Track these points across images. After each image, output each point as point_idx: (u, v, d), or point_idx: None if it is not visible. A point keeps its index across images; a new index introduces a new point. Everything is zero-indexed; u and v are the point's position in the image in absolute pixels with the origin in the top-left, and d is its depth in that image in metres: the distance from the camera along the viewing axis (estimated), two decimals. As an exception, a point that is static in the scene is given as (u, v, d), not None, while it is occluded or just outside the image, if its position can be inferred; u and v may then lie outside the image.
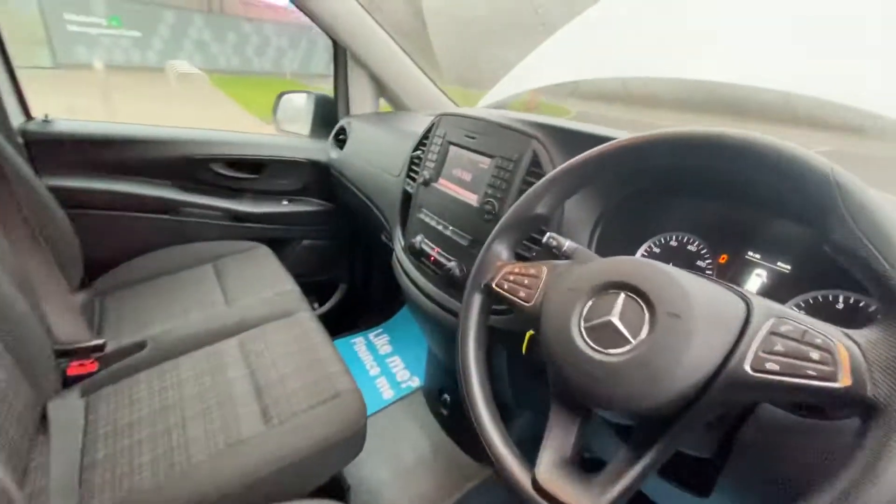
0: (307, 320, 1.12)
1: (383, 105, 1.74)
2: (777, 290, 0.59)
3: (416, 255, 0.97)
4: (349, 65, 1.58)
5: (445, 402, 1.22)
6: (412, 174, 1.08)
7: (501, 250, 0.59)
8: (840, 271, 0.39)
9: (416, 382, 1.53)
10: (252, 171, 1.59)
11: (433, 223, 0.94)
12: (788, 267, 0.59)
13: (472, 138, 0.87)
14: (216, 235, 1.50)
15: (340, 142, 1.58)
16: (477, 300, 0.59)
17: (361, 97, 1.64)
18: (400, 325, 1.86)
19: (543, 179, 0.57)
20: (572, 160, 0.55)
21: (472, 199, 0.85)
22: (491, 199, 0.80)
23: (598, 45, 1.55)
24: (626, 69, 1.48)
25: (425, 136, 1.05)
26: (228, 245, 1.46)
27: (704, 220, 0.67)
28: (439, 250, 0.91)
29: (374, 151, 1.35)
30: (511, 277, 0.56)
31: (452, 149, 0.93)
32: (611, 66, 1.51)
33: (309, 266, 1.77)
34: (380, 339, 1.78)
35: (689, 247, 0.68)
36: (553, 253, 0.59)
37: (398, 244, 1.11)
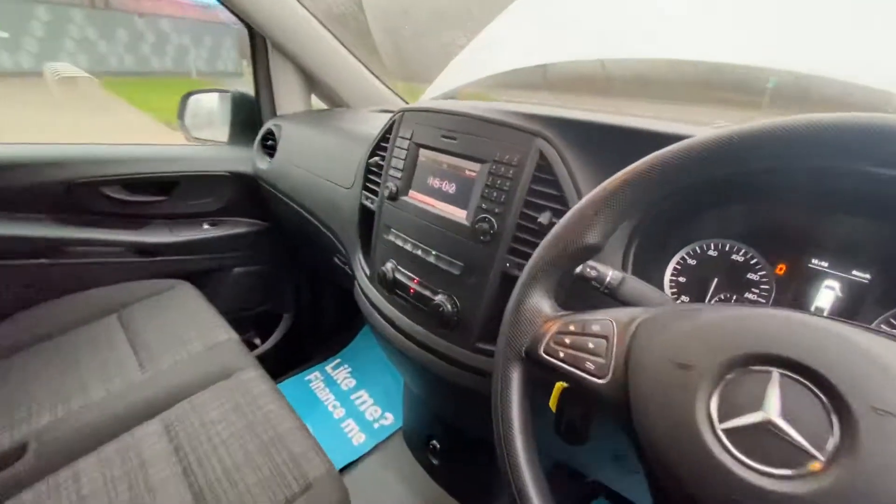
0: (253, 380, 0.89)
1: (316, 103, 1.50)
2: (857, 306, 0.48)
3: (389, 286, 0.78)
4: (271, 57, 1.32)
5: (435, 450, 1.04)
6: (370, 186, 0.88)
7: (541, 302, 0.43)
8: None
9: (389, 420, 1.33)
10: (159, 193, 1.29)
11: (408, 247, 0.75)
12: (867, 276, 0.48)
13: (452, 139, 0.69)
14: (118, 277, 1.19)
15: (269, 149, 1.33)
16: (517, 375, 0.42)
17: (289, 94, 1.39)
18: (361, 350, 1.65)
19: (594, 195, 0.41)
20: (639, 164, 0.39)
21: (460, 215, 0.68)
22: (487, 216, 0.63)
23: (562, 22, 1.40)
24: (598, 50, 1.35)
25: (383, 138, 0.85)
26: (137, 287, 1.16)
27: (751, 222, 0.55)
28: (420, 281, 0.73)
29: (315, 159, 1.12)
30: (566, 340, 0.39)
31: (424, 153, 0.75)
32: (576, 47, 1.37)
33: (244, 298, 1.50)
34: (340, 372, 1.55)
35: (734, 256, 0.55)
36: (594, 287, 0.44)
37: (360, 272, 0.90)
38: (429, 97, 1.66)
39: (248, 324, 1.55)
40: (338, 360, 1.60)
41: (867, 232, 0.49)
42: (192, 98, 1.47)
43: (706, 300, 0.56)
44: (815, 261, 0.51)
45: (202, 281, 1.32)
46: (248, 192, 1.39)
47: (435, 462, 1.05)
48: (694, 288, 0.56)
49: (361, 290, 0.89)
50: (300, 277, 1.62)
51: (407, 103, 1.54)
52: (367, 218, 0.90)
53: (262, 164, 1.33)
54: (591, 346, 0.38)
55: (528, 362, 0.41)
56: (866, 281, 0.48)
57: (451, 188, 0.70)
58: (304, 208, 1.16)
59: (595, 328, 0.39)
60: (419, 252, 0.73)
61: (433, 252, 0.71)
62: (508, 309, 0.44)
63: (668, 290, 0.57)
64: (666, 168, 0.38)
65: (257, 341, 1.60)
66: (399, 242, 0.77)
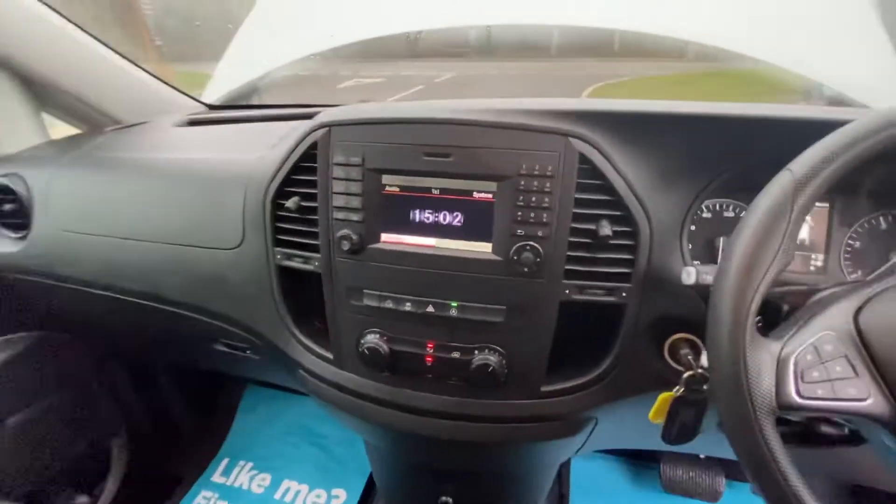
0: None
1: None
2: None
3: (384, 364, 0.58)
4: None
5: None
6: (287, 239, 0.61)
7: (760, 342, 0.36)
8: None
9: (342, 497, 1.08)
10: None
11: (405, 307, 0.56)
12: None
13: (444, 157, 0.51)
14: None
15: (9, 216, 0.79)
16: (773, 431, 0.34)
17: (9, 120, 0.83)
18: (250, 433, 1.27)
19: (783, 183, 0.35)
20: (864, 132, 0.35)
21: (482, 249, 0.53)
22: (526, 243, 0.50)
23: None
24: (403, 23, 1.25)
25: (295, 169, 0.59)
26: None
27: None
28: (439, 344, 0.56)
29: (137, 217, 0.72)
30: (814, 374, 0.34)
31: (391, 179, 0.54)
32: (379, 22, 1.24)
33: (38, 457, 0.94)
34: (239, 475, 1.17)
35: None
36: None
37: (306, 356, 0.65)
38: (227, 85, 1.27)
39: (64, 475, 0.99)
40: (225, 461, 1.20)
41: None
42: None
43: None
44: None
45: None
46: None
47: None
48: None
49: (322, 379, 0.64)
50: (118, 384, 1.10)
51: (205, 104, 1.14)
52: (293, 282, 0.63)
53: (4, 245, 0.78)
54: (837, 369, 0.34)
55: (782, 411, 0.34)
56: None
57: (454, 219, 0.53)
58: (131, 294, 0.75)
59: (828, 348, 0.34)
60: (429, 309, 0.55)
61: (453, 304, 0.54)
62: (724, 361, 0.35)
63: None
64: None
65: (84, 500, 1.04)
66: (385, 304, 0.56)
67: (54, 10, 0.78)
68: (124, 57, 0.95)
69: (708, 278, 0.43)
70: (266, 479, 1.14)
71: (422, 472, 0.87)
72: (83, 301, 0.79)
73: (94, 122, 0.96)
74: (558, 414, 0.58)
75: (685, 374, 0.50)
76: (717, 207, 0.54)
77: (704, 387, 0.50)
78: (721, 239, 0.53)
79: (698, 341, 0.52)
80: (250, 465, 1.18)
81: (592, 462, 1.17)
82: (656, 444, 0.80)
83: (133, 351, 1.06)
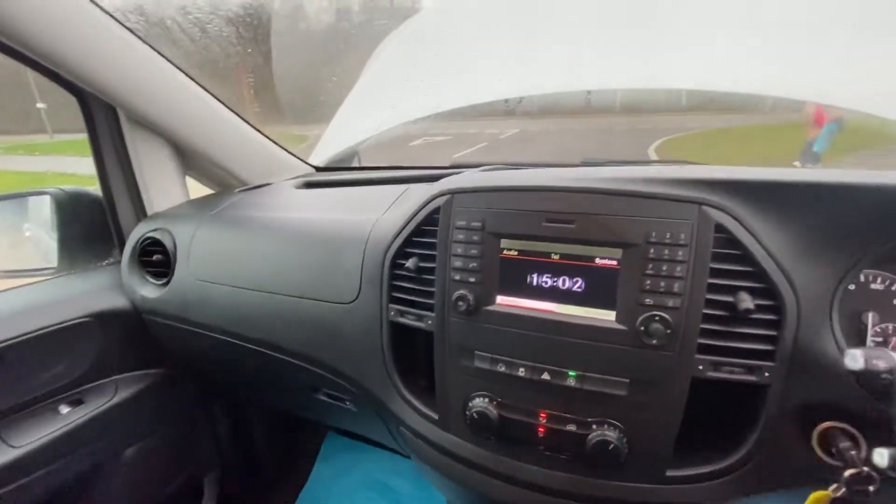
0: None
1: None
2: None
3: (490, 430, 0.57)
4: (127, 133, 0.90)
5: None
6: (402, 297, 0.64)
7: None
8: None
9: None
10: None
11: (518, 372, 0.55)
12: None
13: (567, 223, 0.52)
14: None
15: (156, 266, 0.90)
16: None
17: (161, 182, 0.97)
18: (328, 481, 1.27)
19: None
20: None
21: (604, 318, 0.52)
22: (655, 313, 0.49)
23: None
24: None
25: (417, 231, 0.62)
26: None
27: None
28: (552, 415, 0.54)
29: (260, 271, 0.79)
30: None
31: (510, 243, 0.56)
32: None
33: (147, 486, 1.00)
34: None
35: None
36: None
37: (412, 415, 0.65)
38: (327, 152, 1.40)
39: None
40: (305, 509, 1.20)
41: None
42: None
43: None
44: None
45: (76, 496, 0.82)
46: (126, 337, 0.92)
47: None
48: None
49: (425, 440, 0.64)
50: (217, 422, 1.17)
51: (313, 165, 1.26)
52: (404, 340, 0.65)
53: (148, 290, 0.89)
54: None
55: None
56: None
57: (574, 285, 0.53)
58: (251, 342, 0.81)
59: None
60: (544, 376, 0.54)
61: (571, 373, 0.53)
62: None
63: None
64: None
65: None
66: (498, 368, 0.56)
67: (203, 87, 0.93)
68: (252, 126, 1.09)
69: (880, 364, 0.39)
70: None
71: None
72: (206, 344, 0.86)
73: (225, 183, 1.09)
74: (686, 503, 0.53)
75: (847, 473, 0.44)
76: (863, 279, 0.50)
77: (871, 488, 0.43)
78: (870, 315, 0.49)
79: (857, 433, 0.46)
80: (328, 514, 1.18)
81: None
82: None
83: (235, 393, 1.13)
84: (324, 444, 1.35)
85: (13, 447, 0.76)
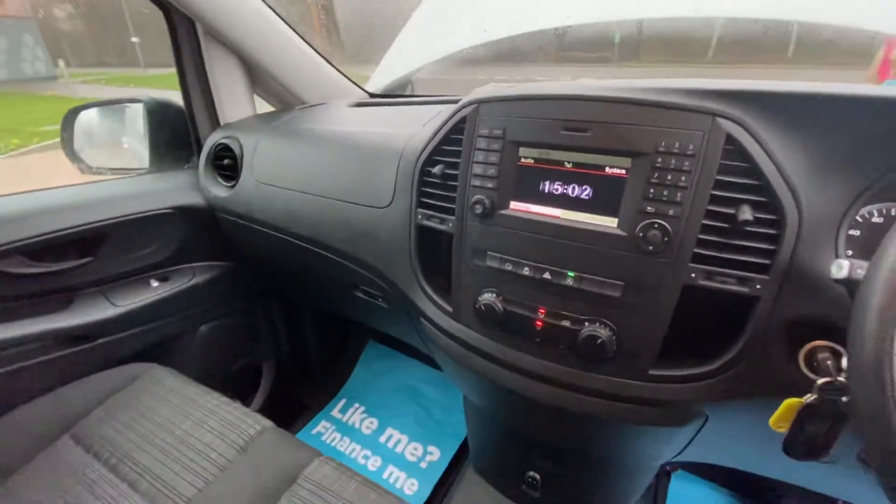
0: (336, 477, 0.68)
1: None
2: None
3: (496, 322, 0.63)
4: (205, 48, 1.01)
5: (533, 482, 0.93)
6: (429, 202, 0.70)
7: None
8: None
9: (436, 455, 1.18)
10: (81, 254, 0.93)
11: (524, 272, 0.60)
12: None
13: (582, 132, 0.55)
14: (50, 382, 0.84)
15: (224, 170, 1.03)
16: None
17: (234, 96, 1.09)
18: (366, 382, 1.44)
19: None
20: None
21: (607, 224, 0.55)
22: (655, 221, 0.51)
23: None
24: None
25: (445, 140, 0.67)
26: (82, 390, 0.83)
27: None
28: (550, 311, 0.60)
29: (310, 176, 0.89)
30: None
31: (527, 152, 0.59)
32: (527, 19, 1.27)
33: (217, 359, 1.20)
34: (351, 414, 1.34)
35: None
36: None
37: (431, 307, 0.73)
38: (382, 80, 1.45)
39: (224, 386, 1.26)
40: (343, 401, 1.38)
41: None
42: (83, 115, 1.08)
43: None
44: None
45: (162, 354, 1.01)
46: (202, 230, 1.07)
47: (536, 496, 0.94)
48: None
49: (440, 329, 0.73)
50: (275, 318, 1.35)
51: (368, 91, 1.33)
52: (428, 241, 0.72)
53: (219, 190, 1.03)
54: None
55: None
56: None
57: (582, 192, 0.56)
58: (302, 239, 0.92)
59: None
60: (545, 276, 0.59)
61: (570, 274, 0.57)
62: (867, 354, 0.33)
63: None
64: None
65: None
66: (506, 267, 0.62)
67: (272, 8, 1.00)
68: (315, 50, 1.16)
69: (862, 273, 0.40)
70: (374, 423, 1.29)
71: (515, 441, 0.91)
72: (265, 241, 0.99)
73: (286, 101, 1.18)
74: (664, 400, 0.57)
75: (820, 381, 0.46)
76: (881, 209, 0.48)
77: (844, 398, 0.45)
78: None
79: (842, 350, 0.47)
80: (362, 408, 1.35)
81: (695, 487, 1.08)
82: (776, 470, 0.73)
83: (290, 290, 1.29)
84: (364, 351, 1.52)
85: (116, 305, 0.95)
